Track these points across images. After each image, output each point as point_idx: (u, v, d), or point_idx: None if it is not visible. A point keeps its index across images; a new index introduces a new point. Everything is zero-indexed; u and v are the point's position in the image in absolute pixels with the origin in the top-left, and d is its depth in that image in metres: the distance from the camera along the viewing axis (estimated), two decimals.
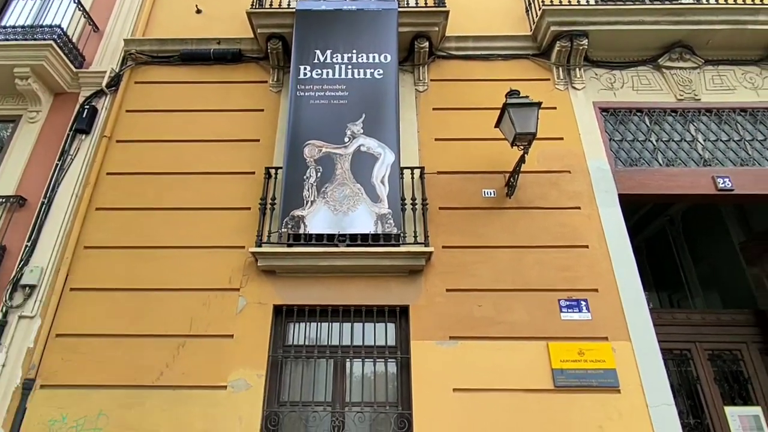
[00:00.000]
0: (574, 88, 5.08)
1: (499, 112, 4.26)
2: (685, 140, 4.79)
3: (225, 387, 3.72)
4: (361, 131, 4.63)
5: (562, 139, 4.82)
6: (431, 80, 5.22)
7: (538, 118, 4.11)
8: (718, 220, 6.03)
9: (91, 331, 3.95)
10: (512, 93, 4.26)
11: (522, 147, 4.17)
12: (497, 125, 4.35)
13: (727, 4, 4.96)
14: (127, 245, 4.32)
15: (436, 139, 4.89)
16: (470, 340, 3.85)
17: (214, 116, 5.04)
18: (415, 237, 4.21)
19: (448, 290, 4.08)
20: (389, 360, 3.95)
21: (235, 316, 3.99)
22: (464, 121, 4.95)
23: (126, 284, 4.13)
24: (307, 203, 4.29)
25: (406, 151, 4.70)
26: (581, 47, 5.02)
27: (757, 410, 4.70)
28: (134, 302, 4.06)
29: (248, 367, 3.77)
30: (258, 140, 4.87)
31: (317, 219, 4.23)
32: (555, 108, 4.98)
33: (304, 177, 4.39)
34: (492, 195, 4.56)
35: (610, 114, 4.98)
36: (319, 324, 4.06)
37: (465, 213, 4.48)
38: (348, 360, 3.97)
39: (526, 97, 4.20)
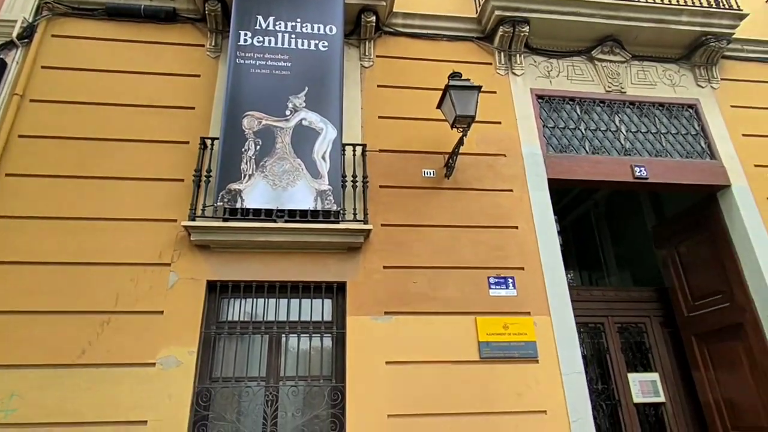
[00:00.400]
0: (514, 74, 5.24)
1: (441, 92, 4.32)
2: (610, 130, 5.12)
3: (154, 364, 3.61)
4: (304, 105, 4.53)
5: (500, 123, 4.99)
6: (377, 56, 5.16)
7: (478, 102, 4.22)
8: (635, 206, 6.57)
9: (1, 308, 3.66)
10: (454, 75, 4.33)
11: (461, 129, 4.28)
12: (439, 106, 4.42)
13: (655, 3, 5.27)
14: (43, 216, 3.99)
15: (379, 117, 4.88)
16: (405, 315, 3.99)
17: (144, 79, 4.71)
18: (355, 214, 4.23)
19: (385, 267, 4.17)
20: (325, 335, 4.01)
21: (165, 292, 3.85)
22: (408, 99, 4.97)
23: (42, 258, 3.84)
24: (244, 177, 4.16)
25: (349, 128, 4.67)
26: (522, 34, 5.16)
27: (654, 376, 5.29)
28: (52, 277, 3.79)
29: (179, 344, 3.68)
30: (193, 108, 4.63)
31: (255, 193, 4.13)
32: (495, 92, 5.12)
33: (243, 149, 4.25)
34: (431, 175, 4.65)
35: (545, 101, 5.20)
36: (254, 300, 4.02)
37: (405, 192, 4.55)
38: (284, 335, 3.98)
39: (468, 80, 4.29)
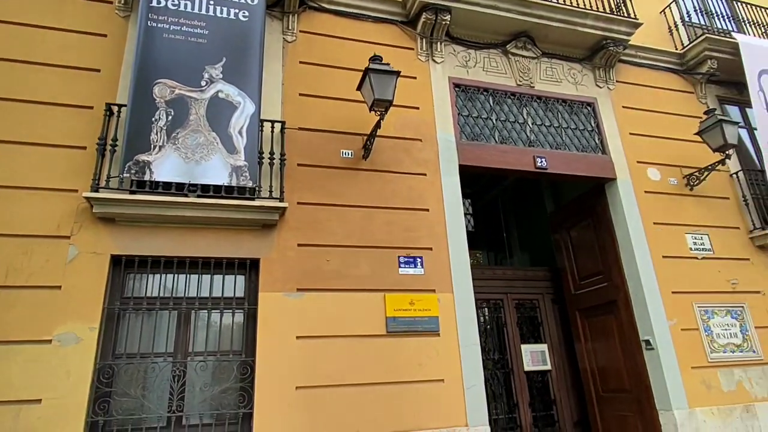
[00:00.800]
0: (434, 61, 5.42)
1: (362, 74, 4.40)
2: (518, 122, 5.50)
3: (50, 341, 3.46)
4: (221, 76, 4.42)
5: (418, 108, 5.17)
6: (300, 31, 5.10)
7: (395, 87, 4.35)
8: (538, 193, 7.13)
9: None
10: (375, 58, 4.42)
11: (379, 113, 4.40)
12: (359, 88, 4.50)
13: (565, 5, 5.66)
14: None
15: (300, 94, 4.87)
16: (317, 291, 4.12)
17: (42, 34, 4.30)
18: (271, 192, 4.24)
19: (299, 245, 4.25)
20: (237, 311, 4.04)
21: (63, 266, 3.66)
22: (330, 78, 4.99)
23: None
24: (154, 148, 4.01)
25: (268, 103, 4.62)
26: (444, 22, 5.33)
27: (544, 347, 5.91)
28: None
29: (79, 320, 3.54)
30: (98, 70, 4.32)
31: (166, 166, 4.00)
32: (415, 78, 5.29)
33: (153, 119, 4.08)
34: (349, 156, 4.75)
35: (461, 90, 5.45)
36: (163, 276, 3.94)
37: (322, 171, 4.62)
38: (193, 311, 3.96)
39: (387, 64, 4.40)
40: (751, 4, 7.04)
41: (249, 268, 4.14)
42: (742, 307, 5.22)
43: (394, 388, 3.97)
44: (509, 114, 5.51)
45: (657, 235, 5.29)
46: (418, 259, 4.46)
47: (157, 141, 4.03)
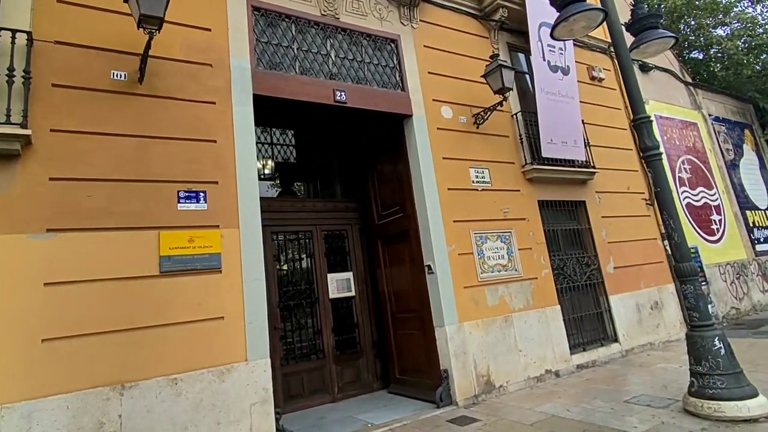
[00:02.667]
0: None
1: None
2: (321, 53, 5.37)
3: None
4: None
5: (210, 30, 4.72)
6: None
7: (168, 2, 3.85)
8: (354, 126, 7.21)
9: None
10: None
11: (148, 31, 3.89)
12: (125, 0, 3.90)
13: None
14: None
15: (59, 1, 4.08)
16: (73, 232, 3.67)
17: None
18: (9, 116, 3.55)
19: (52, 179, 3.70)
20: None
21: None
22: None
23: None
24: None
25: (11, 8, 3.83)
26: None
27: (349, 275, 6.29)
28: None
29: None
30: None
31: None
32: None
33: None
34: (123, 78, 4.19)
35: (261, 14, 5.09)
36: None
37: (87, 94, 4.02)
38: None
39: None
40: None
41: None
42: (510, 232, 6.10)
43: (166, 330, 3.79)
44: (312, 45, 5.35)
45: (445, 168, 5.79)
46: (201, 194, 4.24)
47: None
